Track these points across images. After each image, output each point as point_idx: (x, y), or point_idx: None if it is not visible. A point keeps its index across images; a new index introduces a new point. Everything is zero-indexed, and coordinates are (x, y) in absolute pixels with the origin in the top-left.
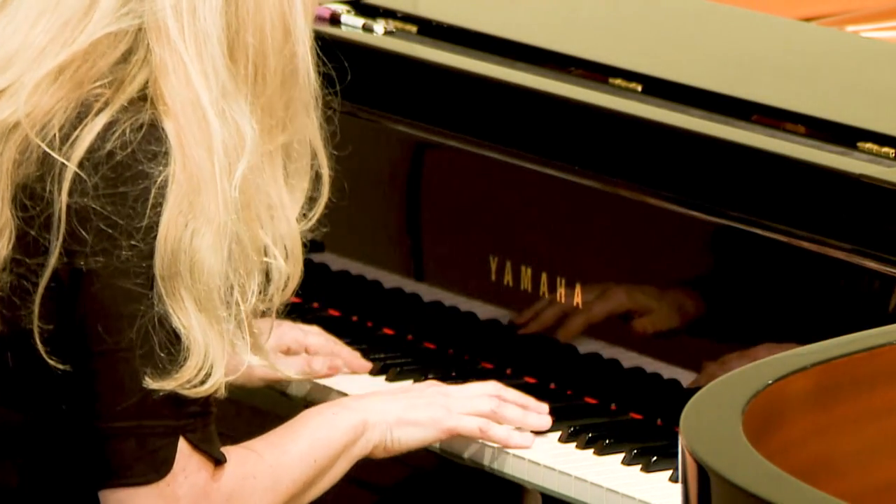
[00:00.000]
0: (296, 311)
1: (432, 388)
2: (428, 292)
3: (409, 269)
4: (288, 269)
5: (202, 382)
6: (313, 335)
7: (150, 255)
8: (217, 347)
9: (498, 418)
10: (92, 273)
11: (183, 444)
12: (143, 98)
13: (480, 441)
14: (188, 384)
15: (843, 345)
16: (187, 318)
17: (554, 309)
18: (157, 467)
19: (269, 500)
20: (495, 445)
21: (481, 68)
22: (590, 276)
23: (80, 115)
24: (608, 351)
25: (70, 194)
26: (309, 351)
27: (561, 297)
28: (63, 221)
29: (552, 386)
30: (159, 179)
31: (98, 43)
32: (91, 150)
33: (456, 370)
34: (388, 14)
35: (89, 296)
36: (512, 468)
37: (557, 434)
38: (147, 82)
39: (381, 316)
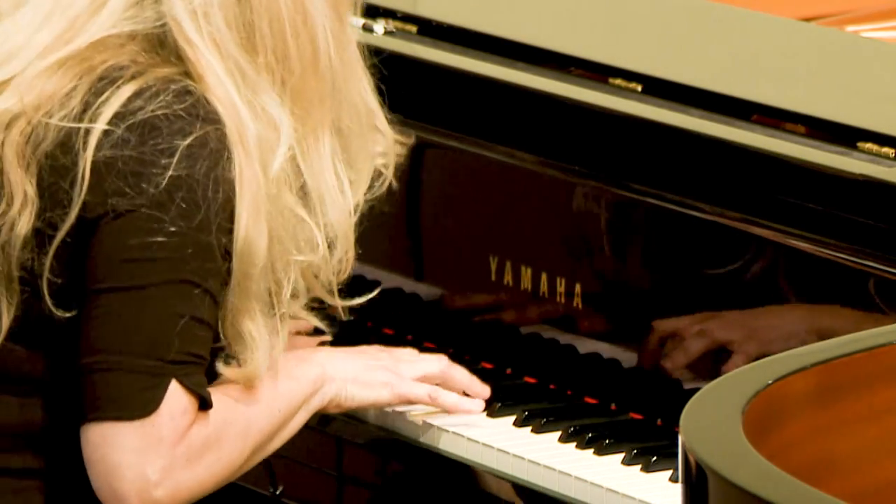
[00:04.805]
0: None
1: (384, 353)
2: (428, 292)
3: (409, 269)
4: (338, 254)
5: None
6: None
7: (167, 209)
8: (265, 336)
9: (446, 383)
10: (112, 215)
11: (174, 386)
12: (185, 76)
13: (482, 442)
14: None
15: (843, 345)
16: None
17: (554, 309)
18: (143, 404)
19: (240, 447)
20: (496, 446)
21: (481, 68)
22: (590, 276)
23: (101, 89)
24: (608, 351)
25: (97, 149)
26: None
27: (561, 297)
28: (87, 176)
29: (552, 386)
30: (191, 139)
31: (101, 42)
32: (123, 106)
33: None
34: (388, 14)
35: (102, 234)
36: (511, 468)
37: (557, 434)
38: (186, 71)
39: (380, 316)
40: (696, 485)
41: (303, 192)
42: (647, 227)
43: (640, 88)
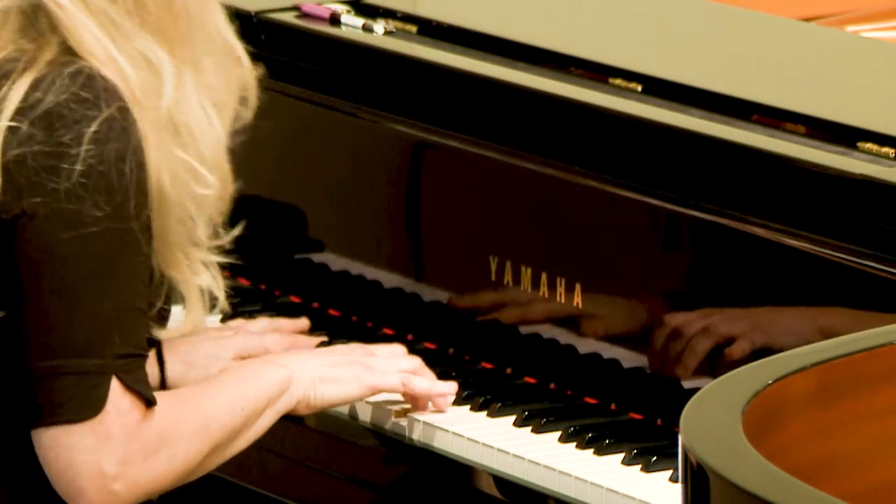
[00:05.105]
0: (296, 311)
1: (358, 348)
2: (428, 292)
3: (409, 269)
4: (218, 183)
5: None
6: (269, 336)
7: (85, 201)
8: (194, 286)
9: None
10: (29, 215)
11: (115, 384)
12: (70, 54)
13: (482, 442)
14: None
15: (843, 345)
16: (175, 262)
17: (554, 309)
18: (90, 405)
19: (199, 443)
20: (496, 446)
21: (481, 68)
22: (590, 277)
23: None
24: (608, 351)
25: (5, 148)
26: (270, 351)
27: (561, 297)
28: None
29: (552, 386)
30: (96, 124)
31: None
32: (23, 101)
33: (456, 370)
34: (388, 14)
35: (25, 235)
36: (511, 468)
37: (557, 434)
38: (65, 44)
39: (381, 316)
40: (696, 485)
41: (175, 131)
42: (647, 227)
43: (640, 88)
